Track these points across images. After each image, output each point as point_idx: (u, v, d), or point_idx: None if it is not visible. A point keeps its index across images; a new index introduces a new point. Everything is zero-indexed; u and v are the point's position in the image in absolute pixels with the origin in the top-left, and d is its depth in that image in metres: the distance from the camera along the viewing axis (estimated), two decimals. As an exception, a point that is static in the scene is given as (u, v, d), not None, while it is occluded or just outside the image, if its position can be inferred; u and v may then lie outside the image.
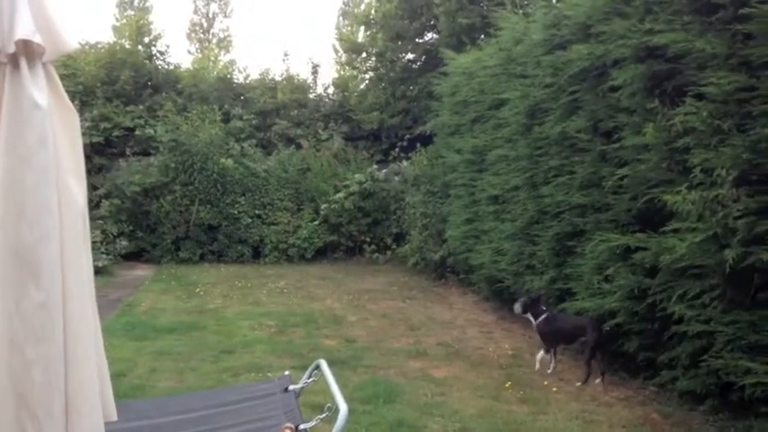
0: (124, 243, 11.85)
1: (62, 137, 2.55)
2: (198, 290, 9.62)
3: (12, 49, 2.41)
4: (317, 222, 12.82)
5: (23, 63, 2.43)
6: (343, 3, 29.12)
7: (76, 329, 1.94)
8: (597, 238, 5.51)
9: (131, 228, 12.24)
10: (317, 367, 3.14)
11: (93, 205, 11.67)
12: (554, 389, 5.37)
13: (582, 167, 5.92)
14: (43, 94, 2.51)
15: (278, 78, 14.92)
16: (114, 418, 2.01)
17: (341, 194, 12.71)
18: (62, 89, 2.64)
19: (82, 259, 2.07)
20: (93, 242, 10.40)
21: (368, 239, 12.94)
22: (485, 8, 11.54)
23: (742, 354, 3.97)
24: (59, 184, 2.26)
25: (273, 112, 14.37)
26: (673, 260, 4.44)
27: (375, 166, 13.27)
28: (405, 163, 12.91)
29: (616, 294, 5.21)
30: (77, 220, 2.15)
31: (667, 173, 4.69)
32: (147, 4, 25.76)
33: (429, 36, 13.96)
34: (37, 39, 2.49)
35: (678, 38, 4.23)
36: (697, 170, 4.20)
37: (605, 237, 5.33)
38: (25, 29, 2.42)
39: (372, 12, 14.66)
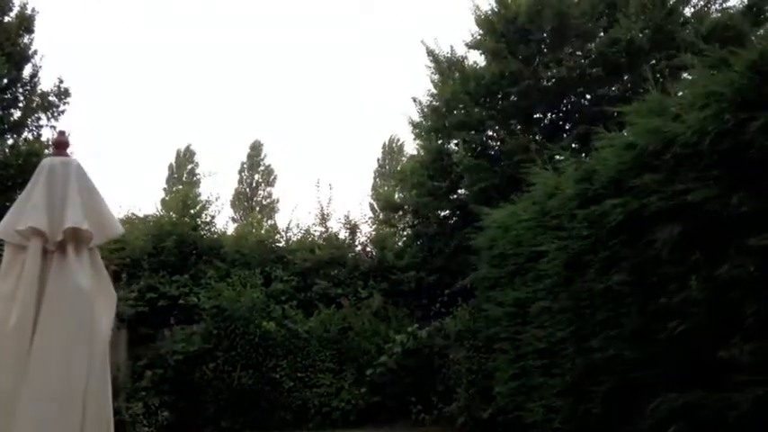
0: (166, 414, 11.63)
1: (101, 317, 2.61)
2: (240, 462, 9.27)
3: (60, 237, 2.53)
4: (362, 387, 12.50)
5: (70, 249, 2.54)
6: (379, 165, 30.43)
7: None
8: (654, 394, 5.23)
9: (174, 398, 12.07)
10: None
11: (137, 377, 11.64)
12: None
13: (629, 320, 5.76)
14: (87, 278, 2.59)
15: (318, 240, 15.22)
16: None
17: (384, 358, 12.46)
18: (105, 271, 2.74)
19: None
20: (136, 414, 10.32)
21: (413, 399, 12.49)
22: (511, 166, 11.78)
23: None
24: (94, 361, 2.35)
25: (313, 272, 14.50)
26: (737, 416, 4.17)
27: (416, 326, 13.02)
28: (446, 319, 12.74)
29: (682, 457, 4.85)
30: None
31: (718, 325, 4.52)
32: (195, 178, 27.25)
33: (461, 192, 14.30)
34: (85, 226, 2.61)
35: (711, 194, 4.24)
36: (749, 321, 4.05)
37: (663, 394, 5.06)
38: (74, 217, 2.57)
39: (406, 172, 15.25)
